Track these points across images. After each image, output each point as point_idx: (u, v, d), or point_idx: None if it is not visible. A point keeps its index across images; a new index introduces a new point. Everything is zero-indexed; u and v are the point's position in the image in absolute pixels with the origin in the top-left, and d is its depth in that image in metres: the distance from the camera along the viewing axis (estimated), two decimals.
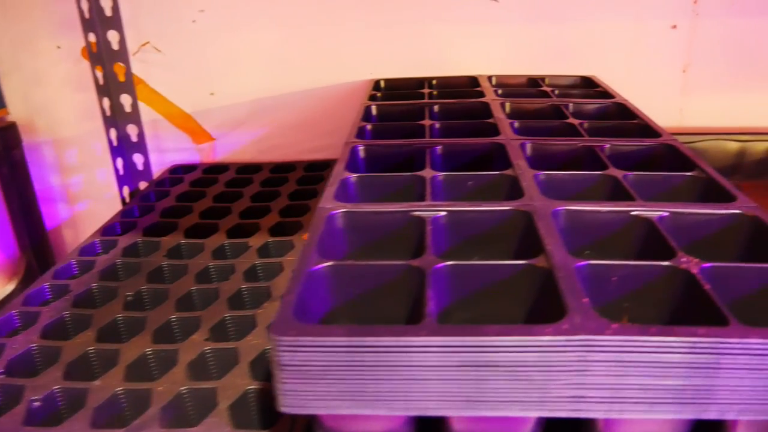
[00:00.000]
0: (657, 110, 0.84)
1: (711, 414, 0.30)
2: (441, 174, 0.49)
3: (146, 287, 0.58)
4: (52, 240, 0.96)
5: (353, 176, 0.50)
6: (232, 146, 0.90)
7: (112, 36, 0.76)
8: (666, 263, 0.36)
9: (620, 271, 0.36)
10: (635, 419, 0.32)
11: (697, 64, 0.81)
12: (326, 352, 0.30)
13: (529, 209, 0.41)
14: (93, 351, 0.50)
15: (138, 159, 0.83)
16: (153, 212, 0.74)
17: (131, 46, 0.84)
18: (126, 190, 0.83)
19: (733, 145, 0.79)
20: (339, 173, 0.49)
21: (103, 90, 0.78)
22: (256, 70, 0.86)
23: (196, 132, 0.89)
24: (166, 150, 0.90)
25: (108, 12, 0.75)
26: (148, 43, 0.84)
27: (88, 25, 0.74)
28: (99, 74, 0.77)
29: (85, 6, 0.73)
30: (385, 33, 0.83)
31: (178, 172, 0.87)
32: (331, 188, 0.46)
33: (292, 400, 0.31)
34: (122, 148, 0.80)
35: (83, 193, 0.94)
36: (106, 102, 0.78)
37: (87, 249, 0.67)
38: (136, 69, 0.85)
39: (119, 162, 0.81)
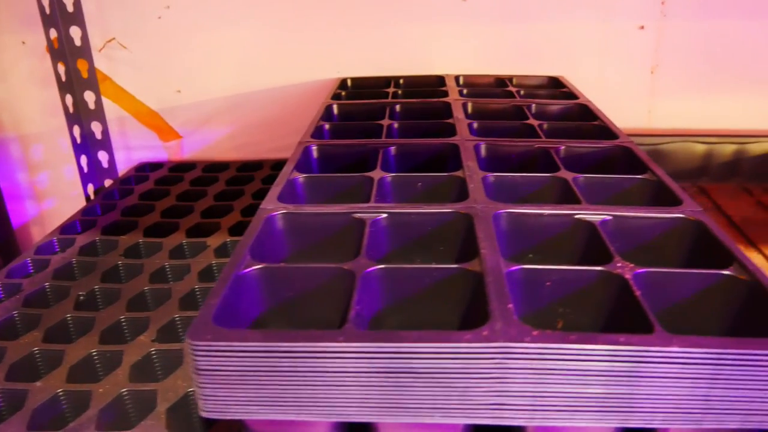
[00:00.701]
0: (626, 111, 0.84)
1: (635, 422, 0.30)
2: (389, 175, 0.49)
3: (99, 287, 0.58)
4: (19, 238, 0.95)
5: (301, 176, 0.49)
6: (200, 144, 0.89)
7: (75, 32, 0.75)
8: (599, 268, 0.35)
9: (554, 276, 0.35)
10: (564, 427, 0.32)
11: (665, 66, 0.81)
12: (243, 358, 0.29)
13: (471, 212, 0.41)
14: (38, 351, 0.49)
15: (103, 156, 0.82)
16: (114, 210, 0.73)
17: (97, 42, 0.83)
18: (91, 188, 0.82)
19: (700, 147, 0.79)
20: (286, 173, 0.49)
21: (65, 86, 0.77)
22: (223, 68, 0.85)
23: (163, 129, 0.88)
24: (134, 147, 0.89)
25: (70, 8, 0.74)
26: (114, 39, 0.83)
27: (49, 21, 0.73)
28: (62, 71, 0.76)
29: (45, 1, 0.72)
30: (353, 32, 0.83)
31: (144, 169, 0.86)
32: (276, 189, 0.46)
33: (212, 405, 0.30)
34: (86, 146, 0.79)
35: (50, 191, 0.93)
36: (69, 99, 0.77)
37: (44, 248, 0.66)
38: (102, 65, 0.84)
39: (83, 159, 0.80)
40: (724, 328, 0.35)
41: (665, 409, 0.29)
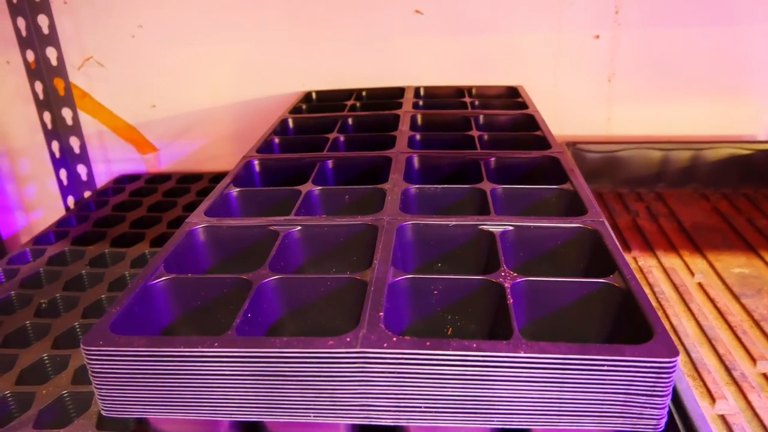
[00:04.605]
0: (586, 119, 0.86)
1: (494, 423, 0.32)
2: (317, 188, 0.51)
3: (61, 295, 0.61)
4: (9, 248, 0.99)
5: (235, 190, 0.52)
6: (177, 156, 0.93)
7: (51, 52, 0.79)
8: (481, 277, 0.37)
9: (440, 285, 0.38)
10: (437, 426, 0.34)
11: (622, 74, 0.82)
12: (131, 361, 0.32)
13: (378, 224, 0.43)
14: None
15: (82, 170, 0.86)
16: (87, 221, 0.77)
17: (75, 60, 0.87)
18: (71, 200, 0.86)
19: (656, 154, 0.80)
20: (221, 187, 0.51)
21: (43, 104, 0.81)
22: (195, 83, 0.88)
23: (140, 143, 0.92)
24: (114, 160, 0.93)
25: (45, 30, 0.78)
26: (91, 57, 0.87)
27: (26, 43, 0.77)
28: (39, 89, 0.80)
29: (22, 24, 0.76)
30: (319, 47, 0.85)
31: (123, 181, 0.90)
32: (206, 203, 0.48)
33: (109, 405, 0.33)
34: (65, 160, 0.83)
35: (37, 202, 0.97)
36: (47, 116, 0.81)
37: (15, 258, 0.70)
38: (81, 83, 0.88)
39: (63, 173, 0.84)
40: (603, 334, 0.37)
41: (521, 410, 0.31)
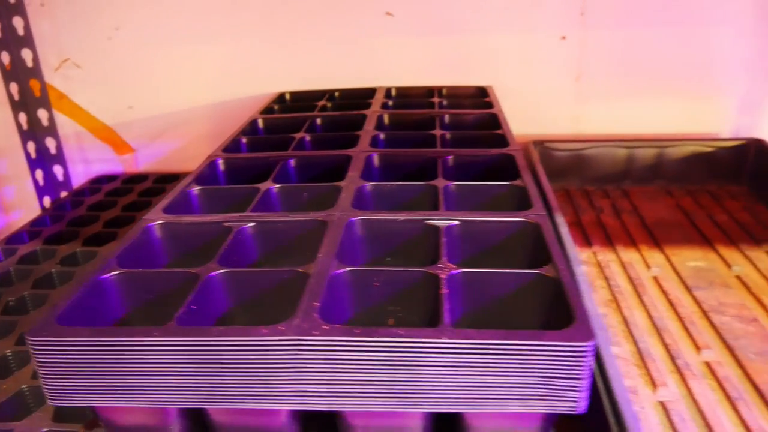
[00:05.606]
0: (555, 118, 0.87)
1: (422, 408, 0.33)
2: (276, 186, 0.53)
3: (29, 293, 0.62)
4: None
5: (196, 188, 0.53)
6: (154, 156, 0.94)
7: (26, 54, 0.81)
8: (420, 269, 0.39)
9: (381, 277, 0.39)
10: (374, 411, 0.35)
11: (589, 74, 0.84)
12: (75, 351, 0.33)
13: (328, 219, 0.45)
14: None
15: (58, 170, 0.87)
16: (61, 221, 0.78)
17: (53, 61, 0.88)
18: (47, 201, 0.87)
19: (622, 152, 0.82)
20: (182, 185, 0.53)
21: (19, 105, 0.82)
22: (172, 84, 0.89)
23: (118, 144, 0.93)
24: (92, 161, 0.95)
25: (20, 31, 0.80)
26: (68, 59, 0.88)
27: (1, 45, 0.79)
28: (15, 90, 0.82)
29: None
30: (293, 49, 0.87)
31: (100, 182, 0.91)
32: (164, 201, 0.50)
33: (55, 394, 0.35)
34: (42, 160, 0.84)
35: (15, 203, 0.98)
36: (23, 117, 0.82)
37: None
38: (59, 84, 0.90)
39: (39, 173, 0.85)
40: (538, 323, 0.39)
41: (448, 394, 0.33)
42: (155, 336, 0.33)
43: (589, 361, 0.31)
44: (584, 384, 0.32)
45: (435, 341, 0.32)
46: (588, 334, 0.31)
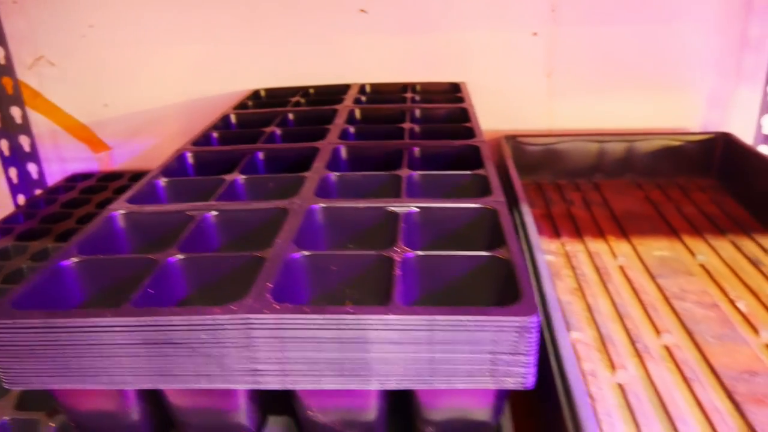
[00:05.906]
0: (528, 114, 0.89)
1: (373, 384, 0.34)
2: (242, 177, 0.53)
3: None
4: None
5: (163, 180, 0.54)
6: (130, 154, 0.94)
7: None
8: (375, 252, 0.39)
9: (338, 261, 0.40)
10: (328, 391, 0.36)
11: (560, 70, 0.85)
12: (28, 334, 0.33)
13: (289, 207, 0.45)
14: None
15: (32, 168, 0.87)
16: (34, 218, 0.78)
17: (28, 60, 0.88)
18: (21, 199, 0.87)
19: (593, 146, 0.83)
20: (148, 177, 0.53)
21: None
22: (147, 82, 0.90)
23: (93, 142, 0.93)
24: (68, 159, 0.94)
25: None
26: (42, 57, 0.88)
27: None
28: None
29: None
30: (268, 47, 0.87)
31: (75, 180, 0.91)
32: (129, 192, 0.50)
33: (9, 377, 0.35)
34: (15, 158, 0.84)
35: None
36: None
37: None
38: (33, 82, 0.90)
39: (12, 171, 0.85)
40: (491, 303, 0.39)
41: (397, 371, 0.33)
42: (108, 317, 0.33)
43: (534, 336, 0.32)
44: (531, 360, 0.32)
45: (383, 317, 0.32)
46: (532, 309, 0.32)
